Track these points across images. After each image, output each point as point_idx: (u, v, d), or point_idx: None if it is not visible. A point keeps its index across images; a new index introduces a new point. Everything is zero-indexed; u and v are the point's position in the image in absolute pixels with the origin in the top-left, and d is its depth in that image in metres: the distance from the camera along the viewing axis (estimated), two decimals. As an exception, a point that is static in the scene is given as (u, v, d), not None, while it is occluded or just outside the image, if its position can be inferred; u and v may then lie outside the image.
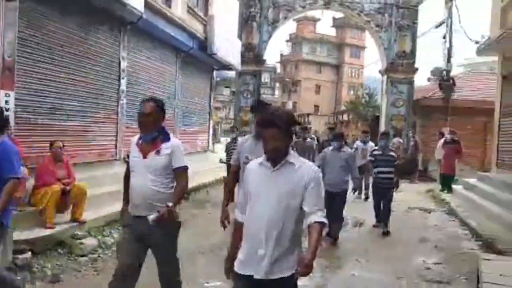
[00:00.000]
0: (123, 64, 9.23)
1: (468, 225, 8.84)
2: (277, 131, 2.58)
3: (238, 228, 2.81)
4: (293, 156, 2.68)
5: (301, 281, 5.32)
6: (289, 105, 51.37)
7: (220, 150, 23.81)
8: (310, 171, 2.64)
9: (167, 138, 3.60)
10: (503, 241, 7.24)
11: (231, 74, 24.81)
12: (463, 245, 7.66)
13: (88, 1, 7.73)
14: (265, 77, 67.85)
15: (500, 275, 4.05)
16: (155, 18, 9.93)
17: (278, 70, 63.81)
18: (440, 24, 17.23)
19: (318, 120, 49.73)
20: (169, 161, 3.54)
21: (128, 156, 3.75)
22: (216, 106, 56.25)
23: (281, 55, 61.29)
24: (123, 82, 9.24)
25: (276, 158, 2.63)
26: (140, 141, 3.60)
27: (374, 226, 8.68)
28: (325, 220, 2.60)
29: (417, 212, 10.53)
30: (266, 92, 67.42)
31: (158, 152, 3.53)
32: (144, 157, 3.54)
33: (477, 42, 13.98)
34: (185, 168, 3.65)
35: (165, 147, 3.54)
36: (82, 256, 5.83)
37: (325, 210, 2.65)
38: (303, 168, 2.64)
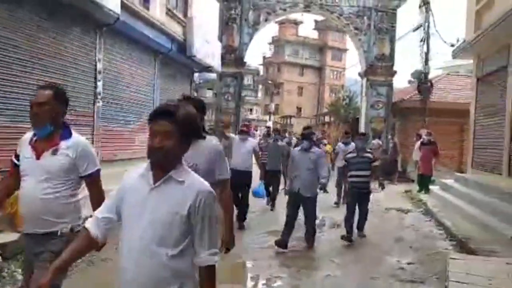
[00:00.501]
0: (99, 66, 9.14)
1: (443, 225, 8.97)
2: (171, 127, 1.95)
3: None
4: (184, 171, 2.04)
5: (275, 282, 5.36)
6: (272, 107, 51.52)
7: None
8: (203, 193, 1.99)
9: (67, 134, 2.89)
10: (476, 240, 7.36)
11: (214, 76, 24.82)
12: (438, 245, 7.77)
13: (62, 3, 7.64)
14: (248, 79, 67.96)
15: (467, 273, 4.13)
16: (132, 20, 9.85)
17: (261, 73, 63.97)
18: (418, 28, 17.49)
19: (301, 122, 50.00)
20: (70, 164, 2.84)
21: (17, 158, 2.99)
22: (198, 108, 55.73)
23: (264, 57, 61.51)
24: (99, 84, 9.15)
25: (162, 163, 1.98)
26: (34, 139, 2.90)
27: (342, 237, 7.48)
28: (216, 262, 2.02)
29: (394, 213, 10.65)
30: (249, 94, 67.58)
31: (55, 151, 2.82)
32: (38, 157, 2.84)
33: (452, 45, 14.24)
34: (98, 173, 2.97)
35: (65, 146, 2.85)
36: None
37: (219, 247, 2.13)
38: (193, 187, 1.99)
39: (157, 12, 11.60)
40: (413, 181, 15.58)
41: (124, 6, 9.00)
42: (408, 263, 6.54)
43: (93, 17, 8.57)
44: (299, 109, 56.98)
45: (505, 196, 8.67)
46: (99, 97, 9.12)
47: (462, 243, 7.42)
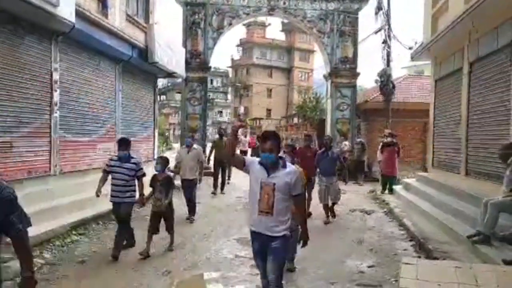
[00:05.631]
0: (56, 76, 8.92)
1: (404, 226, 9.15)
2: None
3: None
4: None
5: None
6: (241, 110, 51.53)
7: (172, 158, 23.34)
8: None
9: None
10: (434, 240, 7.54)
11: (181, 79, 24.57)
12: (398, 246, 7.90)
13: (12, 12, 7.44)
14: (217, 82, 68.01)
15: (417, 279, 4.21)
16: (89, 28, 9.68)
17: (230, 75, 64.03)
18: (379, 30, 17.79)
19: (271, 124, 50.21)
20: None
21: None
22: (168, 112, 55.43)
23: (232, 59, 61.52)
24: (56, 94, 8.93)
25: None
26: None
27: None
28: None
29: (357, 214, 10.78)
30: (219, 97, 67.67)
31: None
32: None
33: (410, 48, 14.57)
34: None
35: None
36: (8, 280, 5.58)
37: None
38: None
39: (116, 19, 11.44)
40: (378, 180, 15.81)
41: (80, 14, 8.85)
42: (368, 266, 6.64)
43: (47, 26, 8.37)
44: (268, 111, 57.16)
45: (462, 196, 8.93)
46: (55, 107, 8.90)
47: (421, 243, 7.58)
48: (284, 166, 3.99)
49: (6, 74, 7.50)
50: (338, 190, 9.89)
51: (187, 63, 17.61)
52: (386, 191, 13.29)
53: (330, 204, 9.81)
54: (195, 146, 10.13)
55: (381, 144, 14.10)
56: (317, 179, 10.15)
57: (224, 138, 13.12)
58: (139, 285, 5.67)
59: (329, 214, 9.81)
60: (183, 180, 9.73)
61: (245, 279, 5.94)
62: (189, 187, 9.64)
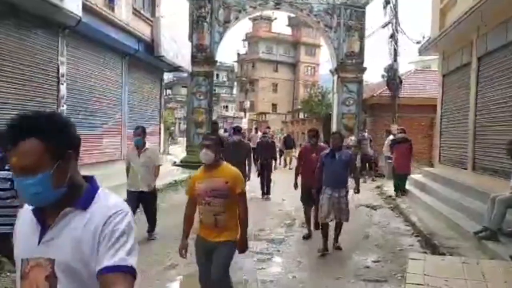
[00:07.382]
0: (62, 69, 8.95)
1: (410, 221, 9.11)
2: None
3: None
4: None
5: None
6: (247, 104, 51.46)
7: (179, 151, 23.50)
8: None
9: None
10: (440, 236, 7.50)
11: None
12: (404, 241, 7.87)
13: (19, 6, 7.44)
14: (223, 77, 67.93)
15: (424, 274, 4.19)
16: (96, 22, 9.69)
17: (236, 70, 63.96)
18: (386, 25, 17.69)
19: (276, 118, 50.18)
20: None
21: None
22: (173, 106, 55.50)
23: (238, 54, 61.44)
24: (63, 87, 8.96)
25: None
26: None
27: None
28: None
29: (364, 210, 10.74)
30: (225, 91, 67.58)
31: None
32: None
33: (418, 42, 14.47)
34: None
35: None
36: (15, 272, 5.62)
37: None
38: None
39: (122, 12, 11.44)
40: (384, 176, 15.74)
41: (86, 8, 8.85)
42: (374, 261, 6.62)
43: (54, 20, 8.38)
44: (274, 106, 57.13)
45: (469, 192, 8.88)
46: (62, 101, 8.93)
47: (427, 239, 7.55)
48: (85, 204, 1.54)
49: (13, 67, 7.52)
50: (347, 206, 7.10)
51: (193, 57, 17.60)
52: (399, 192, 11.93)
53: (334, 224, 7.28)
54: (148, 145, 7.33)
55: (390, 140, 13.82)
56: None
57: (221, 134, 11.66)
58: (145, 278, 5.68)
59: (327, 241, 7.03)
60: (132, 193, 7.12)
61: (250, 271, 5.95)
62: (148, 203, 7.29)
